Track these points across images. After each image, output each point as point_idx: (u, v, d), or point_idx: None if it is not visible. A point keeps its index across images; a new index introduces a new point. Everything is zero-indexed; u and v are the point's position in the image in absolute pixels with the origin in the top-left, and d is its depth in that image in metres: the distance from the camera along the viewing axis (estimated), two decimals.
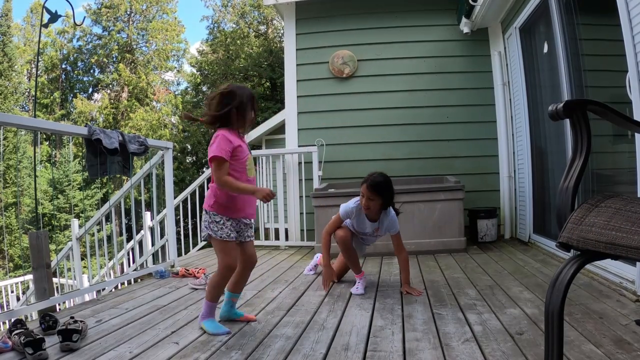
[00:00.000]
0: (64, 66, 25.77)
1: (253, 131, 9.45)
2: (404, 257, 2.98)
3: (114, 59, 25.30)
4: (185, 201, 5.84)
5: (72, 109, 24.59)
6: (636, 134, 2.49)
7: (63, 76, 25.73)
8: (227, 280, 2.36)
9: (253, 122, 2.43)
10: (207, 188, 2.37)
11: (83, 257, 4.97)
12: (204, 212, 2.36)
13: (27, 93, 24.48)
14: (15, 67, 22.46)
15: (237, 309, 2.48)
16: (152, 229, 5.05)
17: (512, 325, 2.12)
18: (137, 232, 4.76)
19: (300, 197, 5.34)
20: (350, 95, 5.56)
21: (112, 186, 20.50)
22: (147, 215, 5.29)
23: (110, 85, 25.30)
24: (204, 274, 3.55)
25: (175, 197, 4.89)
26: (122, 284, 4.24)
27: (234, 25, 24.38)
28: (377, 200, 2.87)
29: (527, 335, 1.98)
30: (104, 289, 4.12)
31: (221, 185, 2.23)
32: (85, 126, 3.32)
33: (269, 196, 2.20)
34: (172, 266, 4.10)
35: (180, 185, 17.96)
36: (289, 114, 5.72)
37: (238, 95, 2.24)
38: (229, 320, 2.41)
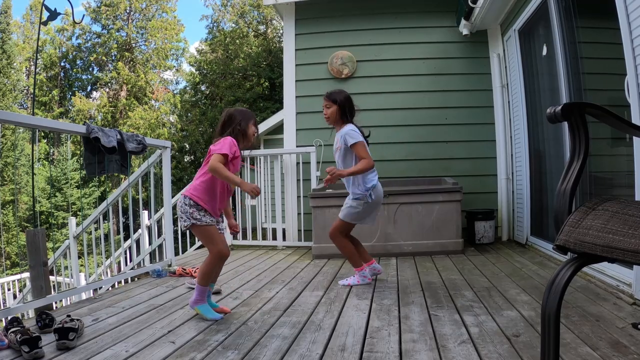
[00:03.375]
0: (62, 64, 25.72)
1: None
2: (359, 166, 2.90)
3: (113, 58, 25.26)
4: None
5: (70, 107, 24.57)
6: (634, 137, 2.49)
7: (62, 74, 25.68)
8: (219, 267, 2.57)
9: (253, 139, 2.67)
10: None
11: (80, 255, 4.95)
12: (184, 198, 2.48)
13: (25, 91, 24.43)
14: (14, 64, 22.44)
15: (214, 301, 2.63)
16: (149, 228, 5.04)
17: (509, 327, 2.12)
18: (135, 231, 4.75)
19: (298, 197, 5.34)
20: None
21: (110, 185, 20.46)
22: (144, 214, 5.28)
23: (109, 84, 25.26)
24: None
25: (172, 196, 4.88)
26: (119, 282, 4.24)
27: (233, 25, 24.36)
28: (332, 107, 2.99)
29: (523, 337, 1.98)
30: (100, 288, 4.12)
31: (212, 169, 2.36)
32: (84, 124, 3.31)
33: (254, 191, 2.34)
34: (169, 265, 4.09)
35: (178, 184, 17.93)
36: (287, 114, 5.71)
37: (234, 117, 2.55)
38: None
